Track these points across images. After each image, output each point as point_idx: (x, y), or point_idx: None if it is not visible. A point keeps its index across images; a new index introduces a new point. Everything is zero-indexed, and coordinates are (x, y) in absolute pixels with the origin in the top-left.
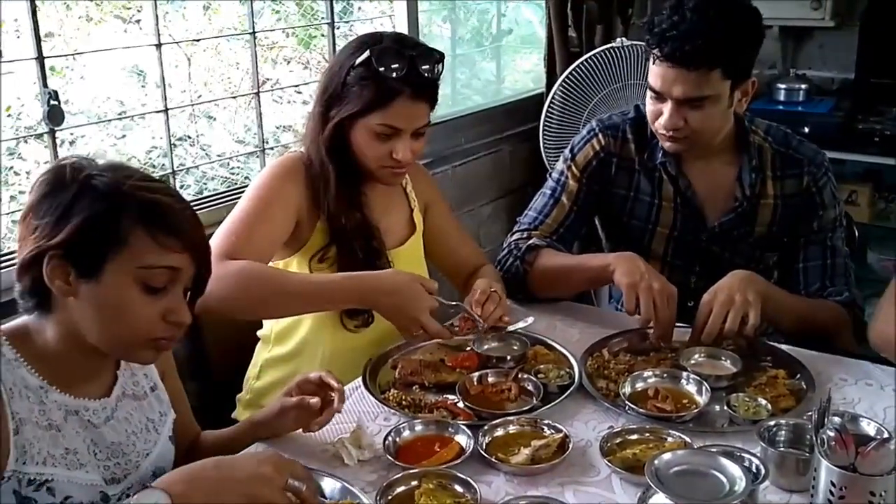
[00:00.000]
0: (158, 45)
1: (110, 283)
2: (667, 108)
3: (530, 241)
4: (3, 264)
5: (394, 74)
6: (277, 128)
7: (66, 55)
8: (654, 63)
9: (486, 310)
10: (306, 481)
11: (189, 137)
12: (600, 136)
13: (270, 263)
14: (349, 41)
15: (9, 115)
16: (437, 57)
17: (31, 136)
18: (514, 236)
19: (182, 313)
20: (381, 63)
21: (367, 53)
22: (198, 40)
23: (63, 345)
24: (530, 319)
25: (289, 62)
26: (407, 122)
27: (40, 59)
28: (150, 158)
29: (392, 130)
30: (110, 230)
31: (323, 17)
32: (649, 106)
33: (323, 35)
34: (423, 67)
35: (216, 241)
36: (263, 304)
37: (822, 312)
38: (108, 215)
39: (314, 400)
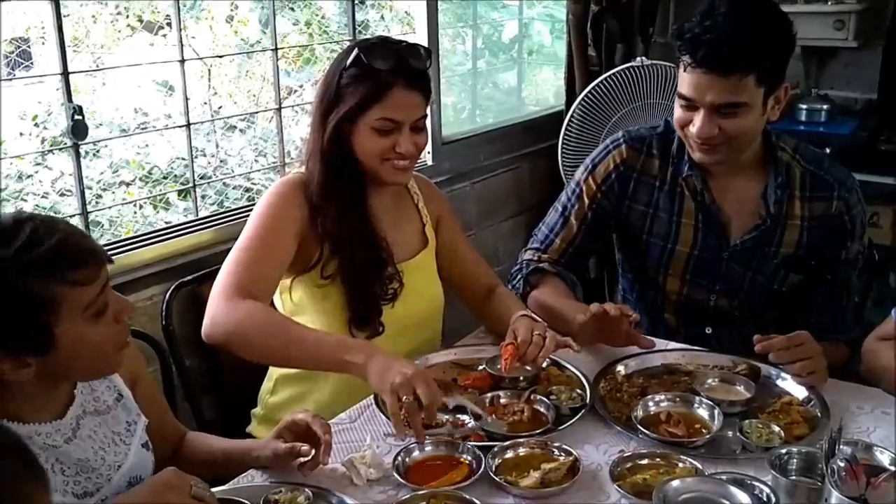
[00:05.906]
0: (182, 61)
1: (67, 339)
2: (699, 116)
3: (539, 265)
4: None
5: (385, 66)
6: (302, 139)
7: (90, 70)
8: (685, 70)
9: (529, 354)
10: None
11: (208, 154)
12: (623, 147)
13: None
14: (338, 54)
15: (35, 125)
16: (423, 50)
17: (55, 149)
18: (527, 255)
19: (126, 306)
20: (372, 58)
21: (356, 52)
22: (220, 56)
23: (11, 380)
24: None
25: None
26: (405, 113)
27: (65, 73)
28: (171, 169)
29: (392, 124)
30: (32, 310)
31: (338, 31)
32: (678, 114)
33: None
34: (412, 58)
35: (223, 274)
36: (270, 349)
37: (834, 357)
38: (18, 302)
39: (303, 460)
